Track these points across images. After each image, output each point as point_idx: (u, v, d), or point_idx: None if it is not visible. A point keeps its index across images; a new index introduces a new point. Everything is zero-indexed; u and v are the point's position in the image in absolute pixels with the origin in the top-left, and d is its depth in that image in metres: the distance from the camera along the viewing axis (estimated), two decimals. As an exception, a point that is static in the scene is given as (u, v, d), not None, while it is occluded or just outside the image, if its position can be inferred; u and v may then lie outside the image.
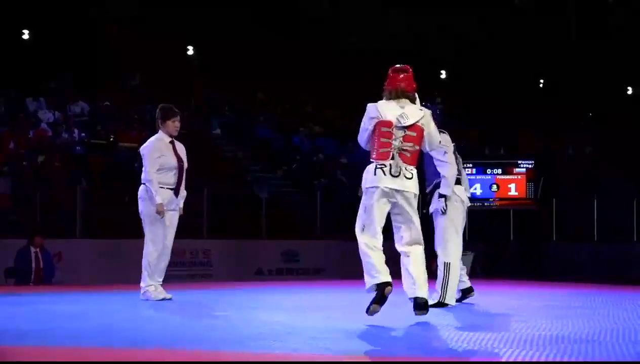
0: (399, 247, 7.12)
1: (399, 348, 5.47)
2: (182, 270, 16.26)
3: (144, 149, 9.25)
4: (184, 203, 9.40)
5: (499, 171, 18.40)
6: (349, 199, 10.51)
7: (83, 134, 19.49)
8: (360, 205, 7.01)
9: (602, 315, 7.75)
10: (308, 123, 24.40)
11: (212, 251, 16.83)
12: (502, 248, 18.93)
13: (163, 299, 9.09)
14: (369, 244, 6.89)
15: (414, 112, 7.06)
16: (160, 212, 8.98)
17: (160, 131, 9.43)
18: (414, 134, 7.00)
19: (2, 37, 22.08)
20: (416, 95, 7.32)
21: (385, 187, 6.85)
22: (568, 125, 28.04)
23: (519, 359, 5.07)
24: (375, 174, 6.87)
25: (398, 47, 27.47)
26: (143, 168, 9.16)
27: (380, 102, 7.16)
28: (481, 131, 25.37)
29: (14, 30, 22.91)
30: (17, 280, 13.76)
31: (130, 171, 17.60)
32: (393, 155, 6.90)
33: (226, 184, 19.71)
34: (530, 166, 18.36)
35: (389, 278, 6.82)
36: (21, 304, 9.05)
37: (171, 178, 9.18)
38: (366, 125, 7.11)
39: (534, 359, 5.06)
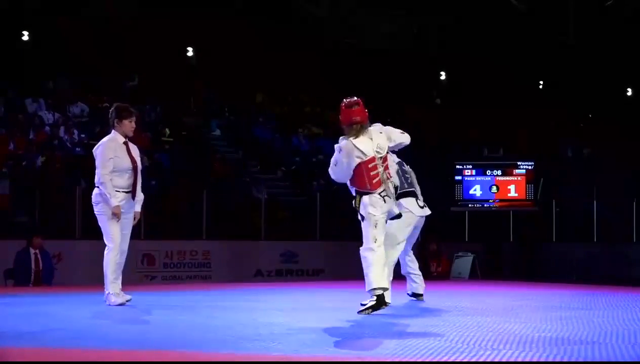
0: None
1: (398, 348, 5.46)
2: (182, 271, 16.27)
3: (96, 150, 8.90)
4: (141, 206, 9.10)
5: (499, 172, 18.41)
6: (348, 201, 10.48)
7: (83, 135, 19.48)
8: (372, 225, 7.87)
9: (601, 316, 7.75)
10: (307, 124, 24.40)
11: (212, 252, 16.82)
12: (501, 249, 18.93)
13: (124, 303, 8.73)
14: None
15: (382, 140, 8.05)
16: (117, 214, 8.68)
17: (114, 131, 9.03)
18: (385, 156, 8.09)
19: (1, 38, 22.06)
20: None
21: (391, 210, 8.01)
22: (567, 126, 28.05)
23: (519, 360, 5.07)
24: (385, 202, 7.90)
25: (398, 47, 27.48)
26: (96, 171, 8.78)
27: (354, 140, 7.92)
28: (481, 132, 25.37)
29: (13, 31, 22.88)
30: (17, 281, 13.75)
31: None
32: (383, 181, 7.90)
33: (225, 185, 19.70)
34: (529, 167, 18.38)
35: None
36: (20, 305, 9.04)
37: (126, 180, 8.85)
38: (347, 162, 7.92)
39: (534, 360, 5.06)
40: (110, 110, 9.29)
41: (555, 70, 29.00)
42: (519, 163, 18.55)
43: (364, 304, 7.87)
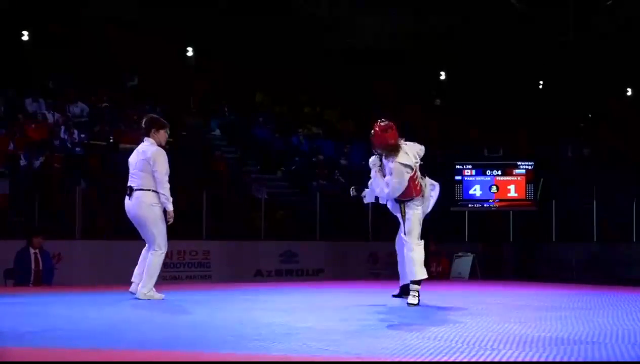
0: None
1: (398, 348, 5.46)
2: (182, 271, 16.27)
3: (155, 154, 9.26)
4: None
5: (499, 172, 18.43)
6: (348, 200, 10.52)
7: (82, 135, 19.49)
8: (418, 223, 9.24)
9: (601, 316, 7.75)
10: (307, 125, 24.42)
11: (211, 252, 16.83)
12: (501, 249, 18.94)
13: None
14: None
15: (414, 151, 9.02)
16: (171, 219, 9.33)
17: (152, 139, 9.41)
18: None
19: (1, 38, 22.06)
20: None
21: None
22: (567, 126, 28.04)
23: (519, 360, 5.07)
24: (422, 203, 9.20)
25: (398, 47, 27.47)
26: (156, 173, 9.18)
27: (404, 157, 8.87)
28: (480, 132, 25.38)
29: (13, 31, 22.88)
30: (17, 281, 13.74)
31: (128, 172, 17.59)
32: (422, 187, 9.18)
33: (225, 185, 19.71)
34: (529, 167, 18.40)
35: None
36: (20, 305, 9.04)
37: None
38: (407, 177, 8.88)
39: (534, 360, 5.06)
40: (145, 120, 9.65)
41: (555, 70, 28.99)
42: (518, 163, 18.57)
43: (414, 295, 8.88)
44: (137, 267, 9.57)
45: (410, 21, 27.45)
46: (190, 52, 25.91)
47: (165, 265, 16.01)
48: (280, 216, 18.87)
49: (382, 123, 8.90)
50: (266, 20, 25.75)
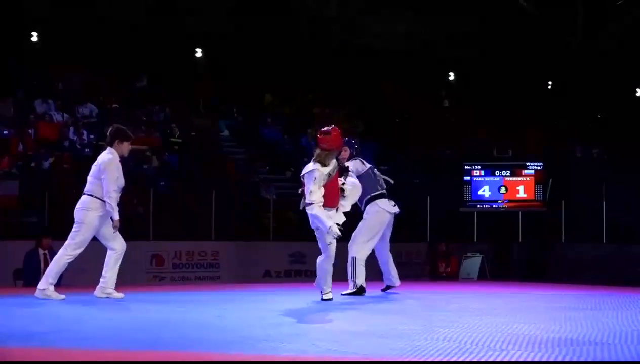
0: None
1: (406, 349, 5.46)
2: (190, 272, 16.28)
3: (105, 163, 9.57)
4: None
5: (508, 173, 18.39)
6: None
7: (92, 136, 19.52)
8: None
9: (610, 317, 7.73)
10: (315, 125, 24.39)
11: (220, 253, 16.82)
12: (510, 250, 18.89)
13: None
14: None
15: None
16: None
17: (113, 149, 9.72)
18: None
19: (11, 39, 22.12)
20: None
21: None
22: (576, 127, 27.97)
23: (528, 360, 5.06)
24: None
25: (406, 48, 27.44)
26: (104, 181, 9.48)
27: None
28: (489, 133, 25.33)
29: (22, 32, 22.95)
30: (26, 282, 13.76)
31: (138, 172, 17.65)
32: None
33: (234, 186, 19.71)
34: (538, 168, 18.35)
35: None
36: (29, 305, 9.05)
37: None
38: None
39: (543, 360, 5.05)
40: (111, 130, 9.92)
41: (564, 70, 28.93)
42: (527, 163, 18.53)
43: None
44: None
45: (419, 22, 27.43)
46: (199, 53, 25.94)
47: (174, 265, 16.16)
48: (289, 217, 18.84)
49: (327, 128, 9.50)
50: (274, 21, 25.76)
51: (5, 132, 18.75)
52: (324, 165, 9.22)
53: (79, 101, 20.95)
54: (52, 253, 13.81)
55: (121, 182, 9.58)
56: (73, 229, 9.73)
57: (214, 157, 21.09)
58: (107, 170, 9.45)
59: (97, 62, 22.38)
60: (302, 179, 9.42)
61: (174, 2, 25.06)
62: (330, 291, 9.70)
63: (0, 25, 21.90)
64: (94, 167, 9.66)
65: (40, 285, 9.54)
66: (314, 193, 9.12)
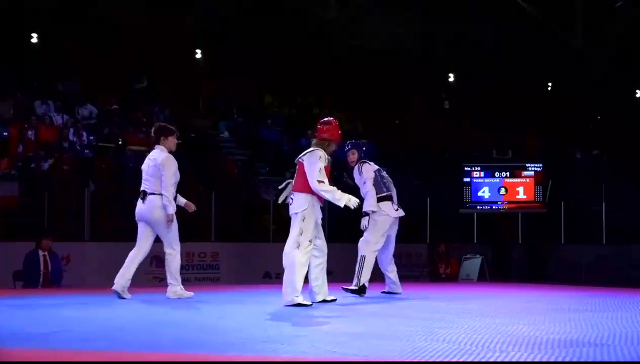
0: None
1: (406, 350, 5.46)
2: (190, 273, 16.27)
3: (164, 160, 9.82)
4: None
5: (507, 174, 18.40)
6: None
7: (91, 137, 19.53)
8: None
9: (610, 318, 7.73)
10: (315, 126, 24.39)
11: (220, 254, 16.83)
12: (510, 251, 18.90)
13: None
14: None
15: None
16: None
17: (163, 146, 10.03)
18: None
19: (10, 40, 22.12)
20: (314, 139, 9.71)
21: None
22: (576, 128, 28.00)
23: (528, 361, 5.07)
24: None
25: (406, 50, 27.44)
26: (163, 177, 9.75)
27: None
28: (489, 134, 25.35)
29: (22, 33, 22.95)
30: (26, 283, 13.77)
31: (138, 173, 17.62)
32: None
33: (234, 187, 19.71)
34: (538, 169, 18.36)
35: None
36: (29, 307, 9.06)
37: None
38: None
39: (543, 361, 5.05)
40: (154, 129, 10.27)
41: (563, 71, 28.95)
42: (527, 165, 18.54)
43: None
44: (123, 267, 10.03)
45: (418, 23, 27.44)
46: (198, 54, 25.95)
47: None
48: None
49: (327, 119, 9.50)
50: (274, 22, 25.77)
51: (5, 133, 18.76)
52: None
53: (78, 102, 20.96)
54: (52, 254, 13.85)
55: (178, 176, 9.93)
56: (159, 232, 10.02)
57: (213, 158, 21.09)
58: (166, 166, 9.76)
59: (97, 62, 22.39)
60: (299, 161, 9.36)
61: (174, 2, 25.05)
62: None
63: (0, 26, 21.92)
64: (150, 168, 9.87)
65: (170, 287, 10.03)
66: (322, 172, 9.00)
